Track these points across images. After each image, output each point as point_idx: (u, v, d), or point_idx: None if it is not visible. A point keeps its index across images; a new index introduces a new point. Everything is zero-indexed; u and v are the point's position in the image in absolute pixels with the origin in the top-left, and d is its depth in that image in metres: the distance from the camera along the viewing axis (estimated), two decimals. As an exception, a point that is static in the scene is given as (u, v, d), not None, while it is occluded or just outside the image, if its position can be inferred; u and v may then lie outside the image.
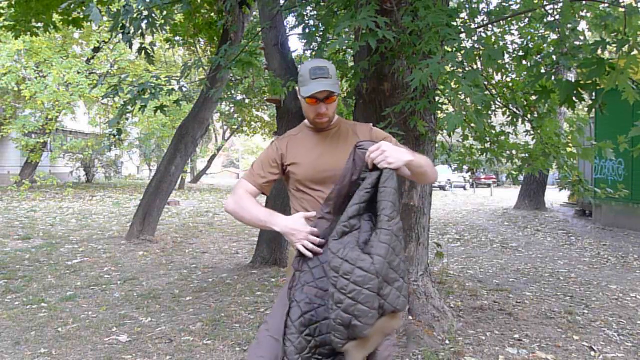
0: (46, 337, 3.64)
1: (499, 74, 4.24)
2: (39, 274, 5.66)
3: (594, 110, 2.95)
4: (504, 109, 4.19)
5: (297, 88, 1.97)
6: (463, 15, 3.86)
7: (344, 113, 5.13)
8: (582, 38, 3.54)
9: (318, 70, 1.84)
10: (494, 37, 3.97)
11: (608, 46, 2.72)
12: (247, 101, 14.78)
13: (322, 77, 1.83)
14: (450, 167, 5.50)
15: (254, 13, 8.16)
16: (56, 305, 4.46)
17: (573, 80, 2.76)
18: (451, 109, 3.04)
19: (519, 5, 3.87)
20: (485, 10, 4.06)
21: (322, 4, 4.31)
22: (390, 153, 1.68)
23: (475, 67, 3.38)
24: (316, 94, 1.83)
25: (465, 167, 4.86)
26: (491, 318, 4.06)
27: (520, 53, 3.94)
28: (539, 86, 3.26)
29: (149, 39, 7.02)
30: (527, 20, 4.14)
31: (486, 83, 3.97)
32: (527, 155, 4.04)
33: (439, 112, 3.73)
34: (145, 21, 3.55)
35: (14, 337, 3.63)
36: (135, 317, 4.14)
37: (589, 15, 3.84)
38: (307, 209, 1.90)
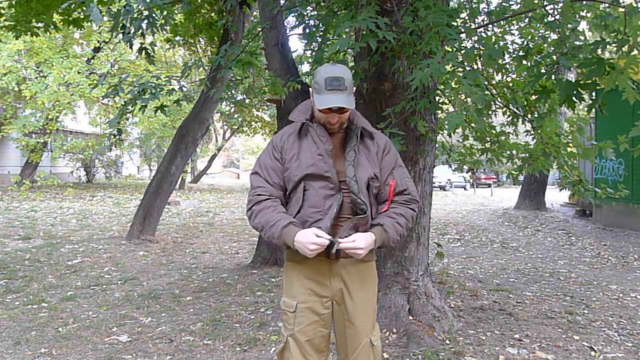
0: (46, 337, 3.64)
1: (499, 74, 4.23)
2: (39, 273, 5.66)
3: (594, 110, 2.95)
4: (504, 109, 4.19)
5: (310, 91, 1.96)
6: (463, 15, 3.86)
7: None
8: (582, 38, 3.54)
9: (334, 82, 1.82)
10: (494, 37, 3.97)
11: (608, 46, 2.72)
12: (247, 101, 14.77)
13: (337, 89, 1.82)
14: (451, 167, 5.50)
15: (254, 13, 8.16)
16: (56, 305, 4.46)
17: (573, 80, 2.75)
18: (451, 109, 3.04)
19: (519, 5, 3.87)
20: (485, 10, 4.06)
21: (322, 4, 4.31)
22: (362, 250, 1.81)
23: (475, 67, 3.38)
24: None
25: (465, 167, 4.85)
26: (491, 318, 4.06)
27: (520, 53, 3.94)
28: (539, 86, 3.26)
29: (149, 39, 7.03)
30: (527, 20, 4.14)
31: (486, 83, 3.96)
32: (527, 155, 4.04)
33: (439, 112, 3.73)
34: (146, 21, 3.55)
35: (15, 337, 3.63)
36: (136, 317, 4.14)
37: (589, 15, 3.84)
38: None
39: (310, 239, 1.75)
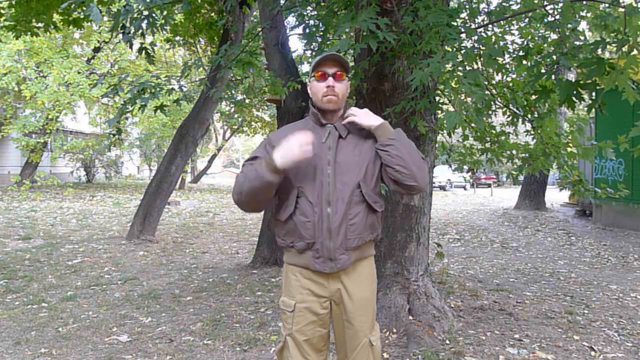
0: (46, 337, 3.64)
1: (499, 74, 4.24)
2: (39, 273, 5.66)
3: (594, 110, 2.96)
4: (504, 109, 4.19)
5: (307, 81, 1.99)
6: (463, 15, 3.86)
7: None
8: (582, 38, 3.54)
9: (330, 54, 1.92)
10: (494, 37, 3.97)
11: (608, 46, 2.72)
12: (247, 101, 14.75)
13: (331, 54, 1.91)
14: (451, 167, 5.52)
15: (254, 13, 8.17)
16: (56, 305, 4.46)
17: (573, 80, 2.76)
18: (451, 109, 3.04)
19: (519, 5, 3.87)
20: (485, 10, 4.06)
21: (323, 4, 4.31)
22: (361, 114, 1.89)
23: (475, 66, 3.38)
24: (325, 62, 1.88)
25: (465, 167, 4.86)
26: (491, 318, 4.06)
27: (520, 53, 3.94)
28: (539, 86, 3.27)
29: (149, 38, 7.03)
30: (527, 20, 4.14)
31: (486, 83, 3.97)
32: (527, 155, 4.04)
33: (439, 111, 3.73)
34: (146, 21, 3.55)
35: (15, 337, 3.63)
36: (136, 317, 4.14)
37: (589, 15, 3.84)
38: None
39: (294, 148, 1.74)
